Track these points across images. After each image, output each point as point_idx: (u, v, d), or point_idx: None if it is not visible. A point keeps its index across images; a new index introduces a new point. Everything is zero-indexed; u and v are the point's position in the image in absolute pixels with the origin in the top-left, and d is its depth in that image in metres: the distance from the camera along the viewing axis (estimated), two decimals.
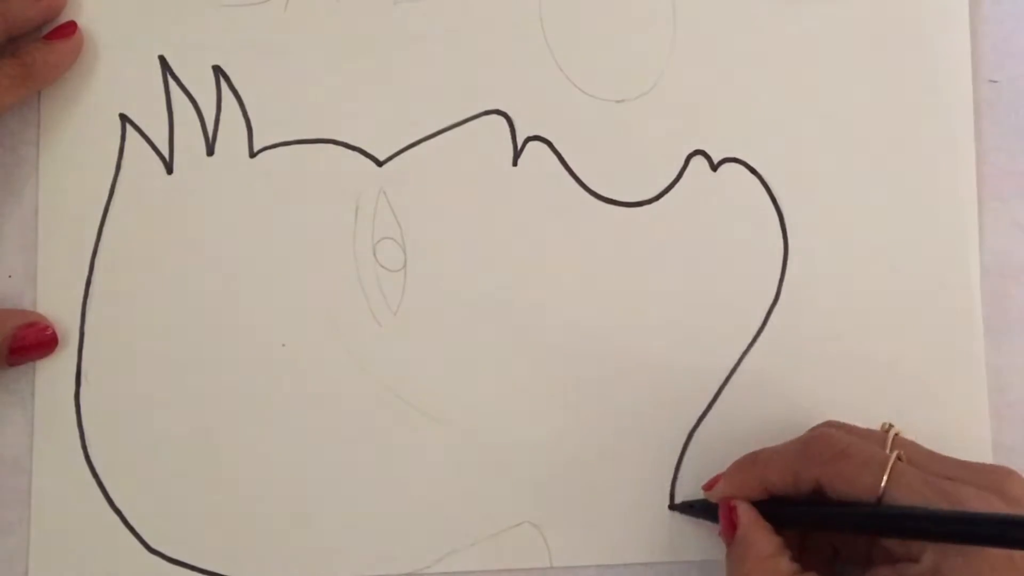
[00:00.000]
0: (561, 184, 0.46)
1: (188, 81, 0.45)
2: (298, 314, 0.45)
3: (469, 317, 0.45)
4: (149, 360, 0.44)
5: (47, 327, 0.44)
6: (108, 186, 0.45)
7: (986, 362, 0.45)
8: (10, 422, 0.44)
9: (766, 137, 0.46)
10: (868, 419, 0.44)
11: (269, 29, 0.46)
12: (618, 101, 0.46)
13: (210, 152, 0.45)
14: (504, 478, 0.44)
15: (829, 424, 0.42)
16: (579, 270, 0.45)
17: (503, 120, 0.46)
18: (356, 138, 0.45)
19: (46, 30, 0.45)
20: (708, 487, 0.42)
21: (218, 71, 0.45)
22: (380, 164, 0.45)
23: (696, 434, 0.45)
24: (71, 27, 0.45)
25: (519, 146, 0.46)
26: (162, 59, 0.45)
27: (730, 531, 0.40)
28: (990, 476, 0.38)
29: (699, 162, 0.46)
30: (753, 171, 0.46)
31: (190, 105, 0.45)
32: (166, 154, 0.45)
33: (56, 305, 0.44)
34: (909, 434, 0.41)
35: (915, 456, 0.39)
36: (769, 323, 0.45)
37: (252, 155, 0.45)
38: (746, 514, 0.40)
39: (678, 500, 0.44)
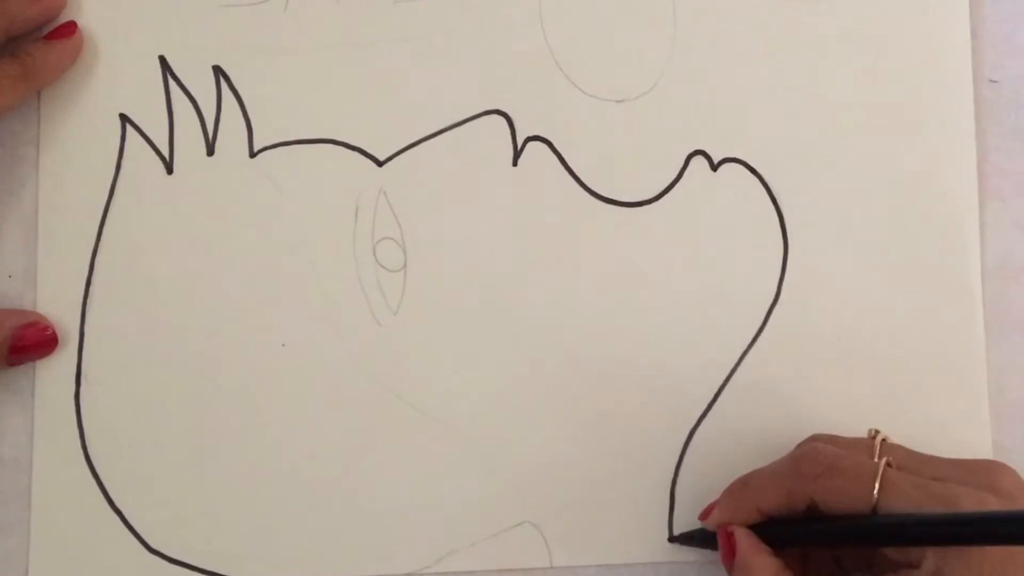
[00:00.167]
0: (561, 184, 0.46)
1: (188, 81, 0.45)
2: (298, 314, 0.45)
3: (469, 317, 0.45)
4: (149, 360, 0.44)
5: (47, 327, 0.44)
6: (108, 186, 0.45)
7: (986, 362, 0.45)
8: (10, 422, 0.44)
9: (766, 137, 0.46)
10: (868, 419, 0.44)
11: (269, 29, 0.46)
12: (618, 101, 0.46)
13: (210, 152, 0.45)
14: (504, 478, 0.44)
15: (815, 438, 0.42)
16: (579, 270, 0.45)
17: (503, 120, 0.46)
18: (356, 138, 0.45)
19: (46, 30, 0.45)
20: (704, 516, 0.42)
21: (218, 71, 0.46)
22: (380, 164, 0.45)
23: (696, 434, 0.45)
24: (71, 27, 0.45)
25: (519, 146, 0.46)
26: (162, 59, 0.45)
27: (730, 557, 0.40)
28: (980, 472, 0.38)
29: (699, 162, 0.46)
30: (753, 171, 0.46)
31: (190, 105, 0.45)
32: (166, 154, 0.45)
33: (56, 305, 0.44)
34: (909, 435, 0.41)
35: (904, 460, 0.39)
36: (769, 323, 0.45)
37: (252, 155, 0.45)
38: (744, 539, 0.40)
39: (678, 507, 0.44)
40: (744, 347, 0.45)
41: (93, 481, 0.44)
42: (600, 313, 0.45)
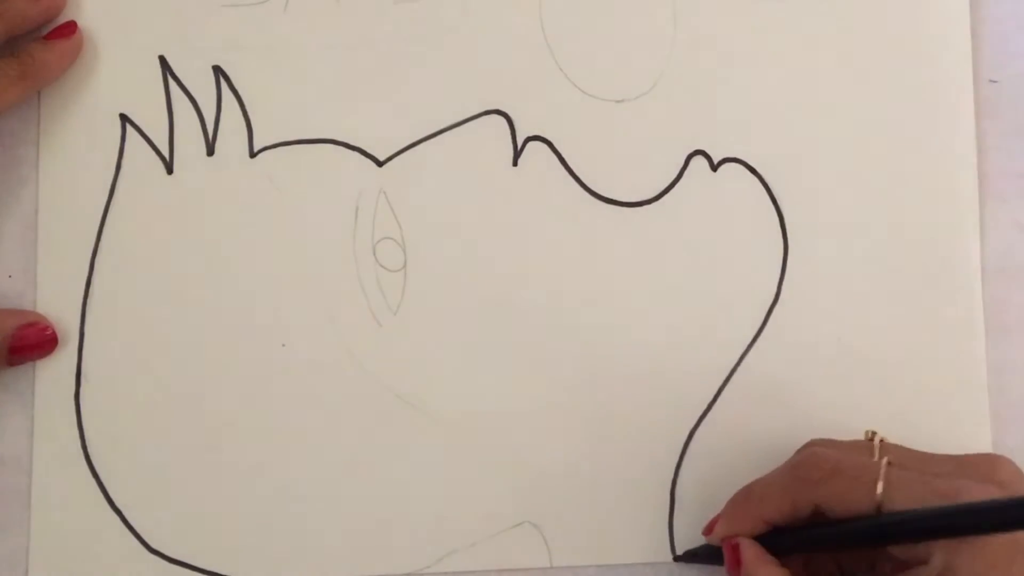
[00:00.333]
0: (561, 184, 0.46)
1: (188, 81, 0.45)
2: (298, 314, 0.45)
3: (469, 317, 0.45)
4: (149, 360, 0.44)
5: (47, 327, 0.44)
6: (108, 186, 0.45)
7: (986, 362, 0.45)
8: (10, 422, 0.44)
9: (766, 137, 0.46)
10: (868, 419, 0.44)
11: (269, 29, 0.46)
12: (618, 101, 0.46)
13: (210, 152, 0.45)
14: (504, 478, 0.44)
15: (813, 443, 0.42)
16: (579, 270, 0.45)
17: (503, 120, 0.46)
18: (356, 138, 0.45)
19: (46, 30, 0.45)
20: (708, 531, 0.42)
21: (218, 71, 0.46)
22: (380, 164, 0.45)
23: (696, 434, 0.45)
24: (71, 27, 0.45)
25: (519, 146, 0.46)
26: (162, 59, 0.45)
27: (736, 570, 0.40)
28: (981, 466, 0.39)
29: (699, 162, 0.46)
30: (753, 171, 0.46)
31: (190, 105, 0.45)
32: (166, 154, 0.45)
33: (56, 305, 0.44)
34: (909, 435, 0.41)
35: (904, 459, 0.39)
36: (769, 323, 0.45)
37: (252, 155, 0.45)
38: (749, 551, 0.40)
39: (679, 507, 0.44)
40: (744, 347, 0.45)
41: (93, 481, 0.44)
42: (600, 313, 0.45)
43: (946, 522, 0.36)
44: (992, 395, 0.45)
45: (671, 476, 0.45)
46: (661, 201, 0.46)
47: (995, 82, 0.47)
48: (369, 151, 0.45)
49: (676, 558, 0.44)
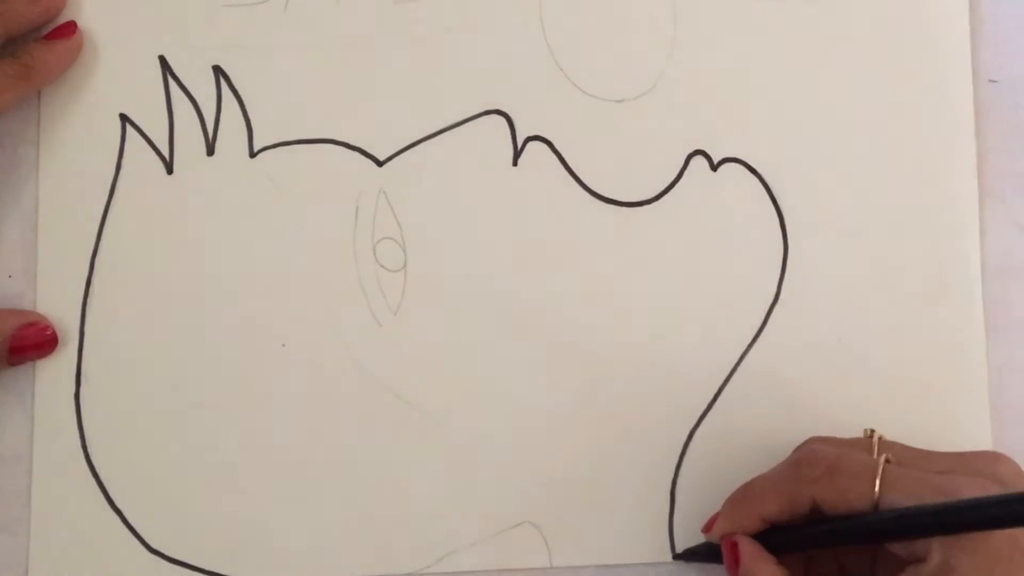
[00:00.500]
0: (561, 184, 0.46)
1: (188, 81, 0.45)
2: (298, 314, 0.45)
3: (469, 317, 0.45)
4: (149, 360, 0.44)
5: (47, 327, 0.44)
6: (108, 186, 0.45)
7: (986, 362, 0.45)
8: (10, 422, 0.44)
9: (766, 137, 0.46)
10: (868, 419, 0.44)
11: (269, 29, 0.46)
12: (618, 101, 0.46)
13: (210, 152, 0.45)
14: (504, 478, 0.44)
15: (813, 440, 0.42)
16: (579, 270, 0.45)
17: (503, 120, 0.46)
18: (356, 138, 0.45)
19: (46, 30, 0.45)
20: (707, 529, 0.42)
21: (218, 71, 0.46)
22: (380, 164, 0.45)
23: (696, 434, 0.45)
24: (71, 27, 0.45)
25: (519, 146, 0.46)
26: (162, 59, 0.45)
27: (734, 567, 0.40)
28: (979, 463, 0.39)
29: (699, 162, 0.46)
30: (753, 171, 0.46)
31: (190, 105, 0.45)
32: (166, 154, 0.45)
33: (56, 305, 0.44)
34: (909, 435, 0.41)
35: (903, 456, 0.40)
36: (769, 323, 0.45)
37: (252, 155, 0.45)
38: (747, 548, 0.40)
39: (679, 507, 0.44)
40: (744, 347, 0.45)
41: (93, 481, 0.44)
42: (600, 313, 0.45)
43: (943, 519, 0.36)
44: (992, 395, 0.45)
45: (671, 476, 0.45)
46: (661, 201, 0.46)
47: (995, 82, 0.47)
48: (369, 151, 0.45)
49: (676, 556, 0.44)
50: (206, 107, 0.45)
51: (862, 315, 0.45)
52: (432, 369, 0.45)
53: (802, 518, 0.39)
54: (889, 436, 0.41)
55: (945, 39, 0.46)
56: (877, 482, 0.37)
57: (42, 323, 0.44)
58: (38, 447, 0.44)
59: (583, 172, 0.46)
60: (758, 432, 0.45)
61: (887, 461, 0.38)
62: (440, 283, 0.45)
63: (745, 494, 0.41)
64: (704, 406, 0.45)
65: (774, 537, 0.40)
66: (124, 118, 0.45)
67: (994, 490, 0.36)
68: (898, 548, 0.38)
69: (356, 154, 0.45)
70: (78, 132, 0.45)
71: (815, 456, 0.40)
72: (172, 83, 0.45)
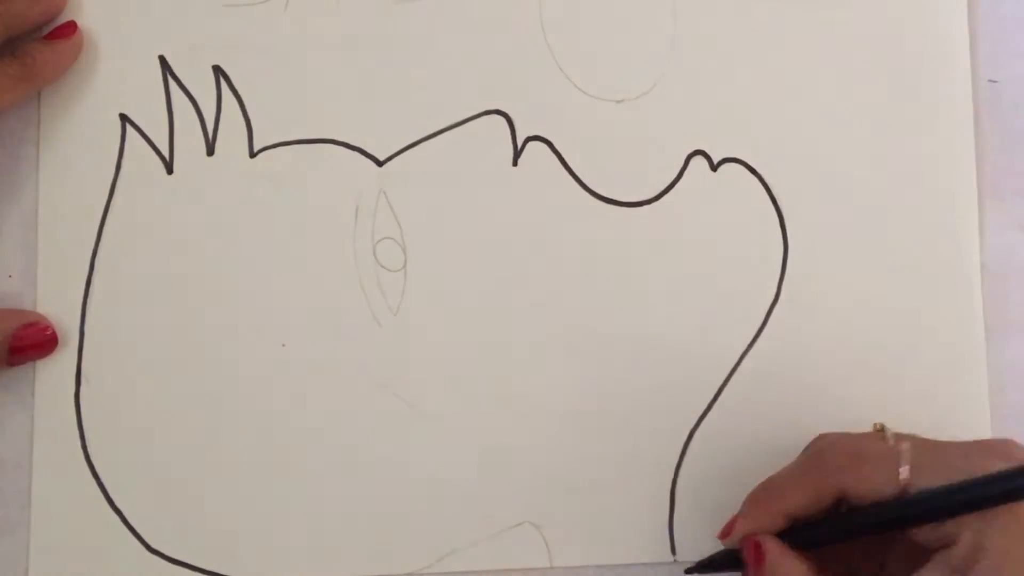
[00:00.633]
0: (561, 184, 0.46)
1: (188, 81, 0.45)
2: (298, 314, 0.45)
3: (469, 317, 0.45)
4: (149, 360, 0.44)
5: (47, 327, 0.44)
6: (108, 186, 0.45)
7: (986, 362, 0.45)
8: (10, 422, 0.44)
9: (766, 137, 0.46)
10: (868, 419, 0.44)
11: (269, 29, 0.46)
12: (618, 101, 0.46)
13: (210, 152, 0.45)
14: (504, 478, 0.44)
15: (826, 435, 0.41)
16: (579, 270, 0.45)
17: (503, 120, 0.46)
18: (356, 138, 0.45)
19: (46, 30, 0.45)
20: (725, 533, 0.40)
21: (218, 71, 0.45)
22: (380, 164, 0.45)
23: (696, 434, 0.45)
24: (71, 27, 0.45)
25: (519, 146, 0.46)
26: (162, 59, 0.45)
27: (758, 568, 0.39)
28: (995, 447, 0.38)
29: (699, 162, 0.46)
30: (753, 171, 0.46)
31: (190, 105, 0.45)
32: (166, 154, 0.45)
33: (56, 305, 0.44)
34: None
35: (920, 445, 0.39)
36: (769, 323, 0.45)
37: (252, 155, 0.45)
38: (772, 545, 0.39)
39: (679, 507, 0.44)
40: (744, 347, 0.45)
41: (93, 481, 0.44)
42: (600, 313, 0.45)
43: (979, 492, 0.35)
44: (992, 395, 0.45)
45: (671, 476, 0.45)
46: (661, 201, 0.46)
47: (995, 82, 0.47)
48: (369, 151, 0.45)
49: (688, 571, 0.43)
50: (206, 107, 0.45)
51: (862, 315, 0.45)
52: (432, 369, 0.45)
53: (823, 512, 0.39)
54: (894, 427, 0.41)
55: (945, 39, 0.46)
56: (906, 467, 0.37)
57: (42, 323, 0.44)
58: (38, 447, 0.44)
59: (583, 172, 0.46)
60: (758, 432, 0.45)
61: (911, 447, 0.38)
62: (440, 283, 0.45)
63: (766, 492, 0.40)
64: (704, 406, 0.45)
65: (795, 536, 0.39)
66: (124, 118, 0.45)
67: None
68: (925, 535, 0.37)
69: (356, 154, 0.45)
70: (78, 132, 0.45)
71: (837, 446, 0.39)
72: (172, 83, 0.45)
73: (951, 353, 0.45)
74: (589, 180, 0.46)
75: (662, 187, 0.46)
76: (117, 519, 0.44)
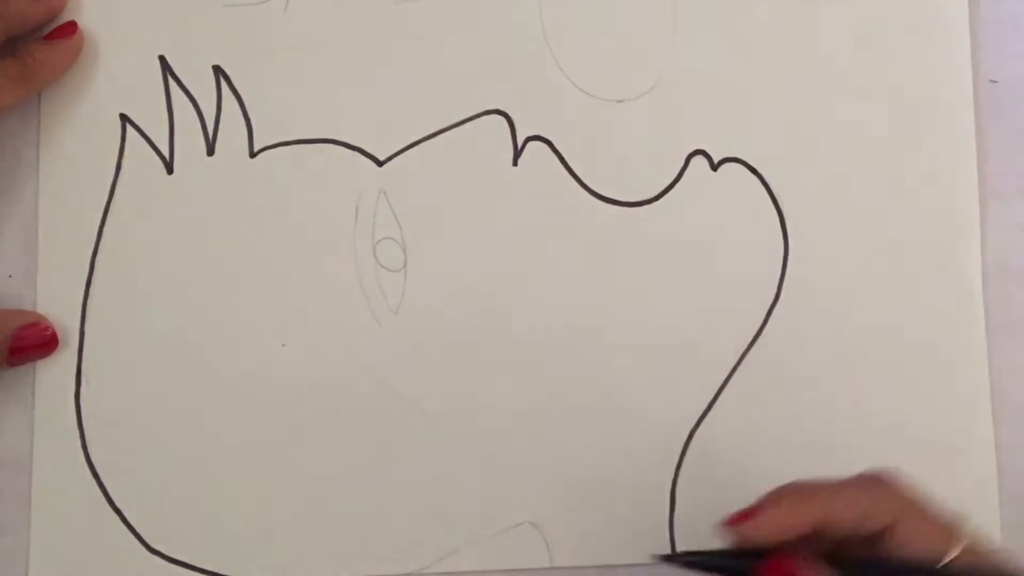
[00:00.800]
0: (561, 184, 0.46)
1: (188, 81, 0.45)
2: (298, 314, 0.45)
3: (469, 317, 0.45)
4: (149, 360, 0.44)
5: (47, 327, 0.44)
6: (108, 186, 0.45)
7: (987, 362, 0.45)
8: (10, 422, 0.44)
9: (766, 137, 0.46)
10: (868, 419, 0.44)
11: (269, 29, 0.46)
12: (618, 101, 0.46)
13: (210, 152, 0.45)
14: (504, 478, 0.44)
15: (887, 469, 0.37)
16: (579, 270, 0.45)
17: (503, 120, 0.46)
18: (356, 138, 0.45)
19: (46, 30, 0.45)
20: (740, 520, 0.34)
21: (218, 71, 0.46)
22: (380, 164, 0.45)
23: (696, 434, 0.45)
24: (71, 27, 0.45)
25: (519, 146, 0.46)
26: (162, 59, 0.45)
27: None
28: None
29: (699, 162, 0.46)
30: (753, 171, 0.46)
31: (190, 105, 0.45)
32: (166, 154, 0.45)
33: (56, 305, 0.44)
34: (909, 435, 0.41)
35: (982, 540, 0.36)
36: (769, 323, 0.45)
37: (252, 155, 0.45)
38: (808, 567, 0.32)
39: (679, 507, 0.44)
40: (744, 347, 0.45)
41: (93, 481, 0.44)
42: (600, 313, 0.45)
43: None
44: (992, 395, 0.45)
45: (671, 476, 0.45)
46: (661, 201, 0.46)
47: (995, 82, 0.47)
48: (369, 151, 0.45)
49: (663, 557, 0.36)
50: (206, 107, 0.45)
51: (862, 315, 0.45)
52: (432, 369, 0.45)
53: (856, 542, 0.34)
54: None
55: (945, 39, 0.46)
56: (959, 544, 0.34)
57: (42, 323, 0.44)
58: (38, 447, 0.44)
59: (583, 172, 0.46)
60: (758, 432, 0.45)
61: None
62: (440, 283, 0.45)
63: (811, 494, 0.35)
64: (704, 406, 0.45)
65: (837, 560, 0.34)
66: (124, 118, 0.45)
67: None
68: None
69: (356, 154, 0.45)
70: (78, 132, 0.45)
71: (900, 484, 0.35)
72: (172, 83, 0.45)
73: (952, 353, 0.45)
74: (589, 180, 0.46)
75: (662, 187, 0.46)
76: (117, 519, 0.44)
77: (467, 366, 0.45)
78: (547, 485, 0.44)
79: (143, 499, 0.44)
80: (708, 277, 0.45)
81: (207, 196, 0.45)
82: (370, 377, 0.45)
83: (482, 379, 0.45)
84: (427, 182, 0.45)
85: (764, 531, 0.34)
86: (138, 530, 0.44)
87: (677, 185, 0.46)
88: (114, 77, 0.45)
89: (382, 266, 0.45)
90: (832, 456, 0.44)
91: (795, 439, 0.44)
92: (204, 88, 0.45)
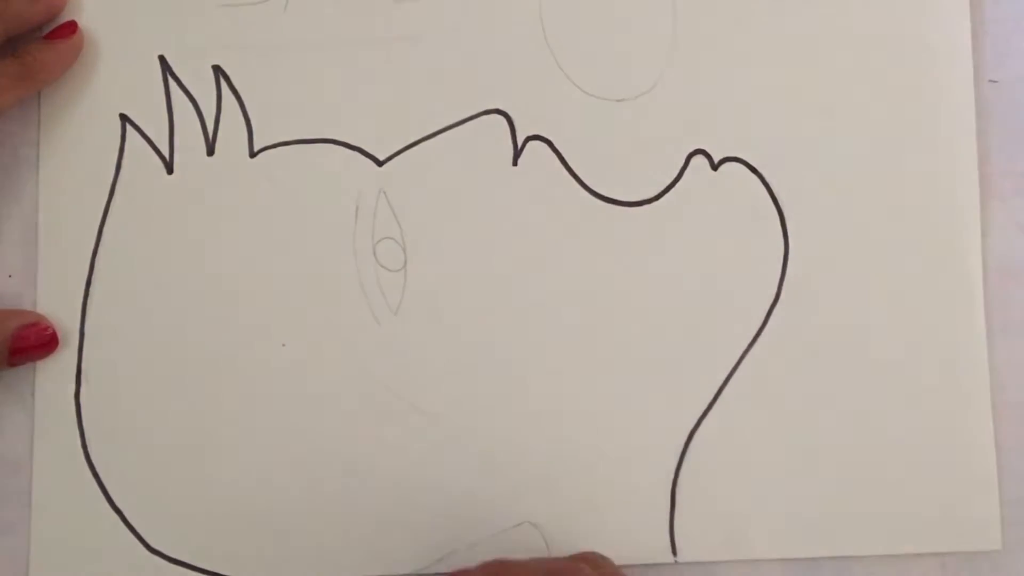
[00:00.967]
0: (561, 184, 0.46)
1: (188, 81, 0.45)
2: (298, 314, 0.45)
3: (469, 317, 0.45)
4: (149, 360, 0.44)
5: (47, 327, 0.44)
6: (108, 186, 0.45)
7: (988, 362, 0.45)
8: (10, 422, 0.44)
9: (767, 136, 0.46)
10: (868, 418, 0.44)
11: (269, 29, 0.46)
12: (618, 101, 0.46)
13: (210, 152, 0.45)
14: (504, 478, 0.44)
15: (585, 557, 0.41)
16: (579, 270, 0.45)
17: (503, 120, 0.46)
18: (356, 138, 0.45)
19: (46, 29, 0.45)
20: None
21: (218, 71, 0.46)
22: (380, 164, 0.45)
23: (696, 434, 0.45)
24: (71, 27, 0.45)
25: (519, 146, 0.46)
26: (162, 59, 0.45)
27: None
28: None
29: (699, 161, 0.46)
30: (754, 170, 0.46)
31: (190, 105, 0.45)
32: (166, 154, 0.45)
33: (56, 305, 0.44)
34: (909, 435, 0.41)
35: None
36: (769, 323, 0.45)
37: (252, 155, 0.45)
38: None
39: (679, 507, 0.44)
40: (744, 347, 0.45)
41: (93, 481, 0.44)
42: (600, 313, 0.45)
43: None
44: (993, 395, 0.45)
45: (671, 476, 0.45)
46: (661, 201, 0.46)
47: (995, 82, 0.47)
48: (369, 151, 0.45)
49: None
50: (206, 107, 0.45)
51: (862, 315, 0.45)
52: (432, 369, 0.45)
53: None
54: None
55: (945, 39, 0.46)
56: None
57: (42, 323, 0.44)
58: (38, 447, 0.44)
59: (583, 172, 0.46)
60: (758, 432, 0.45)
61: None
62: (440, 283, 0.45)
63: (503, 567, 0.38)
64: (704, 406, 0.45)
65: None
66: (124, 118, 0.45)
67: None
68: None
69: (356, 154, 0.45)
70: (78, 132, 0.45)
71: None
72: (172, 83, 0.45)
73: (952, 353, 0.45)
74: (589, 180, 0.46)
75: (662, 187, 0.46)
76: (117, 519, 0.44)
77: (467, 366, 0.45)
78: (547, 485, 0.44)
79: (143, 499, 0.44)
80: (708, 277, 0.45)
81: (207, 196, 0.45)
82: (370, 377, 0.45)
83: (482, 379, 0.45)
84: (427, 182, 0.45)
85: None
86: (138, 530, 0.44)
87: (677, 185, 0.46)
88: (114, 77, 0.45)
89: (382, 266, 0.45)
90: (832, 456, 0.44)
91: (795, 439, 0.44)
92: (204, 88, 0.45)
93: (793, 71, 0.46)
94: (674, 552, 0.44)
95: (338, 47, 0.46)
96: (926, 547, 0.44)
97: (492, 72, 0.46)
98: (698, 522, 0.44)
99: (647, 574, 0.44)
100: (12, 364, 0.43)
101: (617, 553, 0.44)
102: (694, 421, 0.45)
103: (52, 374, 0.44)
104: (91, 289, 0.45)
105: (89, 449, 0.44)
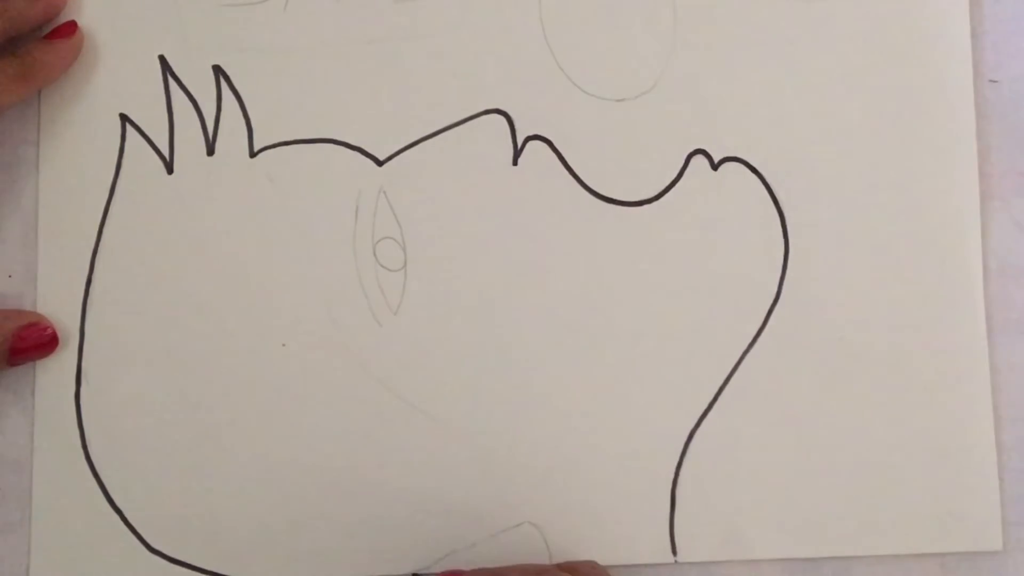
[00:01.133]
0: (561, 184, 0.46)
1: (188, 81, 0.45)
2: (298, 314, 0.45)
3: (469, 317, 0.45)
4: (149, 360, 0.44)
5: (47, 327, 0.44)
6: (108, 186, 0.45)
7: (988, 362, 0.45)
8: (10, 422, 0.44)
9: (767, 136, 0.46)
10: (868, 419, 0.44)
11: (269, 29, 0.46)
12: (618, 101, 0.46)
13: (210, 152, 0.45)
14: (504, 478, 0.44)
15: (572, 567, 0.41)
16: (579, 270, 0.45)
17: (503, 120, 0.46)
18: (356, 138, 0.45)
19: (46, 29, 0.45)
20: None
21: (218, 71, 0.46)
22: (380, 164, 0.45)
23: (696, 434, 0.45)
24: (71, 27, 0.45)
25: (519, 146, 0.46)
26: (162, 59, 0.45)
27: None
28: None
29: (700, 161, 0.46)
30: (754, 170, 0.46)
31: (190, 105, 0.45)
32: (166, 154, 0.45)
33: (56, 305, 0.44)
34: (909, 435, 0.41)
35: None
36: (769, 323, 0.45)
37: (252, 155, 0.45)
38: None
39: (679, 507, 0.44)
40: (744, 347, 0.45)
41: (93, 481, 0.44)
42: (600, 313, 0.45)
43: None
44: (993, 395, 0.45)
45: (671, 476, 0.45)
46: (661, 201, 0.46)
47: (995, 82, 0.47)
48: (369, 151, 0.45)
49: None
50: (206, 107, 0.45)
51: (862, 315, 0.45)
52: (432, 369, 0.45)
53: None
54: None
55: (945, 39, 0.46)
56: None
57: (42, 323, 0.44)
58: (38, 447, 0.44)
59: (583, 172, 0.46)
60: (758, 432, 0.45)
61: None
62: (440, 283, 0.45)
63: None
64: (704, 406, 0.45)
65: None
66: (124, 118, 0.45)
67: None
68: None
69: (356, 154, 0.45)
70: (78, 132, 0.45)
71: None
72: (172, 83, 0.45)
73: (952, 353, 0.45)
74: (589, 180, 0.46)
75: (662, 187, 0.46)
76: (117, 519, 0.44)
77: (467, 366, 0.45)
78: (547, 485, 0.44)
79: (143, 499, 0.44)
80: (708, 277, 0.45)
81: (207, 196, 0.45)
82: (370, 377, 0.45)
83: (482, 379, 0.45)
84: (427, 182, 0.45)
85: None
86: (138, 530, 0.44)
87: (677, 185, 0.46)
88: (114, 77, 0.45)
89: (382, 266, 0.45)
90: (831, 456, 0.44)
91: (795, 439, 0.44)
92: (204, 88, 0.45)
93: (793, 71, 0.46)
94: (674, 552, 0.44)
95: (338, 47, 0.46)
96: (926, 547, 0.44)
97: (492, 72, 0.46)
98: (698, 522, 0.44)
99: (647, 574, 0.44)
100: (12, 364, 0.43)
101: (617, 553, 0.44)
102: (694, 421, 0.45)
103: (52, 374, 0.44)
104: (91, 289, 0.45)
105: (89, 449, 0.44)
